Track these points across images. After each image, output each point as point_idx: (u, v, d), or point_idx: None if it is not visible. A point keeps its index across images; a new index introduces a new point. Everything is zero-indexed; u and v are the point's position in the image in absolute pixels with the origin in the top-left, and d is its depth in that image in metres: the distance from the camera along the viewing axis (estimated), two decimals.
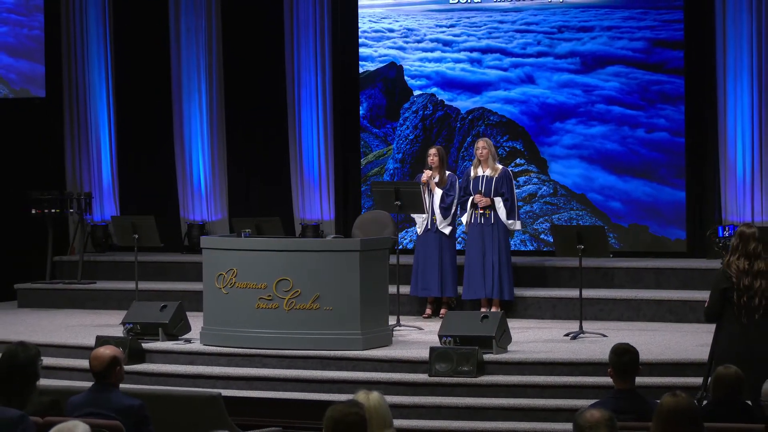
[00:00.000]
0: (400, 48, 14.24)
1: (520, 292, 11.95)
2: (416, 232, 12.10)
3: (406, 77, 14.21)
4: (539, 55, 13.68)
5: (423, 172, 11.90)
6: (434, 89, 14.07)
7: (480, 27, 13.92)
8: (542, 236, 13.49)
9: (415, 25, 14.20)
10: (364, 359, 9.85)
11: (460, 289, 11.85)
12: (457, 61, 14.00)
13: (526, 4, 13.72)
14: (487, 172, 11.66)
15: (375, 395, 5.16)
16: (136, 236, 11.96)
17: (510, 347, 9.88)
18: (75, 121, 15.09)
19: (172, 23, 14.78)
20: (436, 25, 14.10)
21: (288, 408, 8.97)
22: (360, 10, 14.35)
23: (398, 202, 11.31)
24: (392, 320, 10.78)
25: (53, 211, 13.93)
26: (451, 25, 14.04)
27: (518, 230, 12.15)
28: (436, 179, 11.80)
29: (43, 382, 6.52)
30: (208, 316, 10.49)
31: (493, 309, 11.38)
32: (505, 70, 13.81)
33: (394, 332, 10.64)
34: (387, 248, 10.58)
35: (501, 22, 13.83)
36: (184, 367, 10.11)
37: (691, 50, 13.14)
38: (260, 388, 9.64)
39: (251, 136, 14.77)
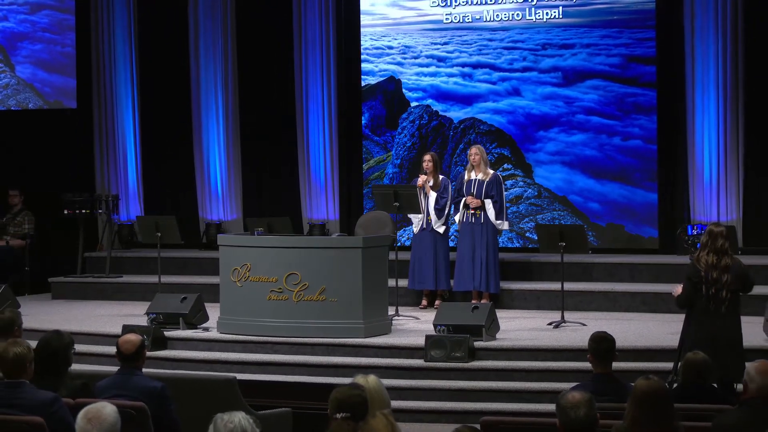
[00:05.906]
0: (399, 63, 14.22)
1: (507, 285, 11.94)
2: (413, 231, 12.08)
3: (404, 90, 14.19)
4: (525, 69, 13.66)
5: (419, 177, 11.90)
6: (429, 101, 14.06)
7: (471, 44, 13.90)
8: (528, 234, 13.48)
9: (412, 43, 14.18)
10: (366, 346, 9.85)
11: (452, 283, 11.84)
12: (451, 75, 13.98)
13: (513, 23, 13.70)
14: (479, 176, 11.65)
15: (372, 378, 5.13)
16: (159, 234, 11.95)
17: (498, 335, 9.87)
18: (103, 130, 15.09)
19: (192, 40, 14.78)
20: (431, 43, 14.09)
21: (297, 390, 8.95)
22: (362, 29, 14.34)
23: (397, 204, 11.30)
24: (391, 311, 10.77)
25: (84, 211, 13.92)
26: (445, 43, 14.02)
27: (506, 229, 12.14)
28: (431, 183, 11.79)
29: (74, 367, 6.52)
30: (224, 306, 10.48)
31: (483, 301, 11.36)
32: (493, 83, 13.80)
33: (393, 321, 10.62)
34: (387, 245, 10.56)
35: (490, 40, 13.82)
36: (202, 353, 10.10)
37: (662, 66, 13.13)
38: (272, 372, 9.63)
39: (263, 143, 14.76)
